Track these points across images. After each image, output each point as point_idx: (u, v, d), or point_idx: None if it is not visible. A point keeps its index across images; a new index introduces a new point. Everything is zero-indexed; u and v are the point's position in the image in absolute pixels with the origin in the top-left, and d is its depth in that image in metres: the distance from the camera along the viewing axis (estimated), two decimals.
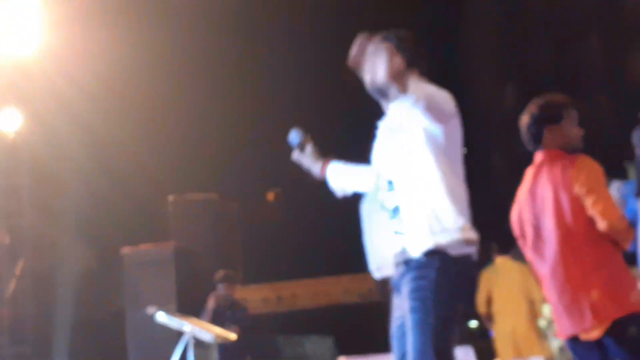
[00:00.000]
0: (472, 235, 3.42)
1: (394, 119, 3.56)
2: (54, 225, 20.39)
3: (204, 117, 16.19)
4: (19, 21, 12.35)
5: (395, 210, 3.51)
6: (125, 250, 10.41)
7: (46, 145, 15.15)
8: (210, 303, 8.81)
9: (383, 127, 3.70)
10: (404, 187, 3.47)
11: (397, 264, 3.53)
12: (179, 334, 7.50)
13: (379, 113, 3.72)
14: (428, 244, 3.38)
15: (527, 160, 4.31)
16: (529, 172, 4.16)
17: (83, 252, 23.57)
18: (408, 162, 3.46)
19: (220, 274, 9.01)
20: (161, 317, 7.46)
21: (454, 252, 3.35)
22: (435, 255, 3.35)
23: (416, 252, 3.40)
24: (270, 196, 20.27)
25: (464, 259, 3.39)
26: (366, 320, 15.51)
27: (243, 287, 12.44)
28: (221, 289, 8.93)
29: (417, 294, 3.37)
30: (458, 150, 3.51)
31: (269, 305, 15.96)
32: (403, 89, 3.51)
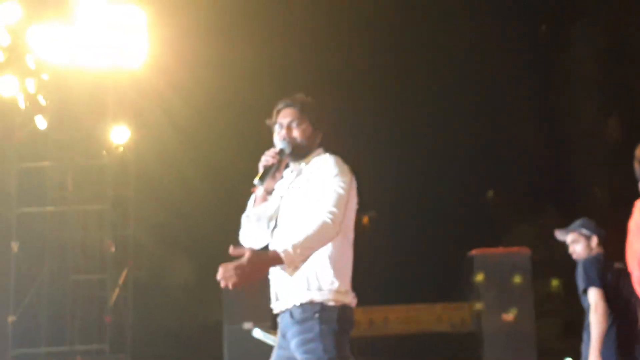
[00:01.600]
0: (346, 298, 3.67)
1: (304, 178, 3.75)
2: (158, 237, 21.05)
3: None
4: (128, 35, 12.86)
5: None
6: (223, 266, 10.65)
7: (153, 158, 15.70)
8: None
9: (289, 184, 3.84)
10: None
11: (281, 310, 3.74)
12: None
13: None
14: (304, 298, 3.60)
15: (630, 191, 4.25)
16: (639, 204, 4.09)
17: (184, 265, 24.22)
18: (302, 221, 3.59)
19: None
20: (257, 333, 7.60)
21: (330, 304, 3.61)
22: (315, 306, 3.58)
23: (294, 303, 3.63)
24: (365, 219, 20.36)
25: (343, 307, 3.64)
26: (456, 350, 15.35)
27: None
28: None
29: (306, 347, 3.57)
30: (352, 217, 3.73)
31: (361, 329, 16.01)
32: (310, 152, 3.79)
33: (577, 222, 5.80)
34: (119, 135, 13.57)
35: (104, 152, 13.56)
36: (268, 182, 3.85)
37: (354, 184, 3.78)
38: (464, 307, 15.13)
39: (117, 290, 13.29)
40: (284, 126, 3.87)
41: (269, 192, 3.90)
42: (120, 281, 13.57)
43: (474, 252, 9.82)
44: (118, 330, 13.33)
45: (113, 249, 13.12)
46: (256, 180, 3.81)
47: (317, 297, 3.60)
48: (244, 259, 3.35)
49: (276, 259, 3.37)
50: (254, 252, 3.43)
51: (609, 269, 5.56)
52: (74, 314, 13.44)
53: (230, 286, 3.36)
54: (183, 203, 17.01)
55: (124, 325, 13.64)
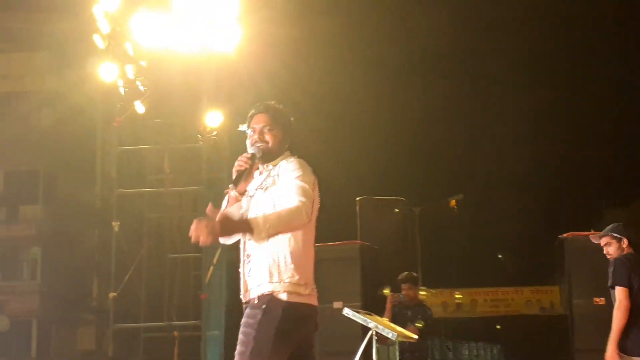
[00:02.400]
0: (304, 290, 3.86)
1: (271, 180, 4.01)
2: None
3: (391, 123, 16.56)
4: (222, 21, 13.12)
5: (249, 257, 3.96)
6: (315, 246, 10.89)
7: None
8: (391, 302, 9.06)
9: (257, 185, 4.08)
10: None
11: (244, 303, 3.98)
12: (363, 330, 7.78)
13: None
14: (263, 290, 3.84)
15: None
16: None
17: None
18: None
19: (403, 274, 9.26)
20: (347, 312, 7.76)
21: (284, 299, 3.80)
22: (266, 298, 3.80)
23: (254, 295, 3.87)
24: (452, 202, 20.31)
25: (294, 306, 3.81)
26: (546, 334, 15.23)
27: (423, 291, 12.64)
28: (403, 289, 9.18)
29: (244, 329, 3.82)
30: (314, 223, 3.97)
31: (448, 310, 16.05)
32: (279, 155, 4.06)
33: (609, 227, 6.38)
34: (213, 120, 13.89)
35: (199, 135, 13.93)
36: (241, 185, 4.09)
37: (317, 186, 4.00)
38: (554, 291, 14.99)
39: (211, 269, 13.72)
40: (257, 131, 4.13)
41: (241, 194, 4.12)
42: (214, 260, 14.01)
43: (564, 235, 9.76)
44: (213, 307, 13.77)
45: None
46: (230, 185, 4.07)
47: (278, 289, 3.83)
48: (217, 218, 3.66)
49: (245, 226, 3.68)
50: (226, 214, 3.75)
51: (638, 268, 6.06)
52: (171, 291, 13.99)
53: (200, 242, 3.63)
54: None
55: (218, 302, 14.09)
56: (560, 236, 9.95)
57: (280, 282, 3.83)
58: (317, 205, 4.00)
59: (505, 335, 15.44)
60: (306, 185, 3.88)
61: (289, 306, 3.80)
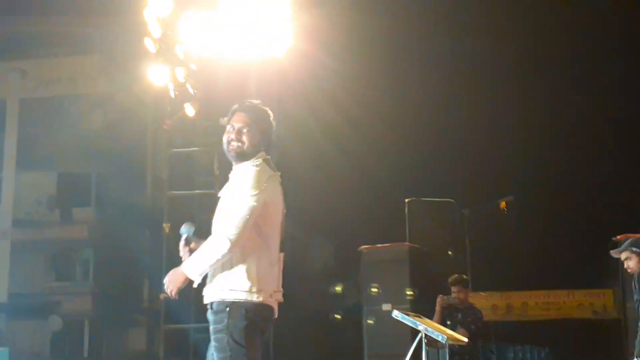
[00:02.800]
0: (257, 295, 4.20)
1: (230, 187, 4.40)
2: (299, 222, 21.48)
3: (440, 125, 16.42)
4: (273, 24, 13.16)
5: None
6: (363, 248, 10.88)
7: (295, 145, 16.13)
8: (441, 304, 9.01)
9: (226, 187, 4.49)
10: None
11: (206, 304, 4.43)
12: (412, 332, 7.75)
13: None
14: (218, 296, 4.26)
15: None
16: None
17: (322, 248, 24.67)
18: (216, 227, 4.34)
19: (453, 277, 9.20)
20: (396, 314, 7.74)
21: (239, 301, 4.20)
22: (226, 303, 4.22)
23: (209, 299, 4.32)
24: (503, 204, 20.07)
25: (253, 305, 4.19)
26: (599, 338, 14.96)
27: (472, 293, 12.52)
28: (453, 291, 9.12)
29: (215, 336, 4.24)
30: (274, 227, 4.31)
31: (498, 313, 15.88)
32: (253, 156, 4.30)
33: (628, 242, 6.67)
34: None
35: None
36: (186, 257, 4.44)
37: (274, 191, 4.29)
38: (607, 294, 14.74)
39: None
40: (234, 130, 4.35)
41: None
42: None
43: (617, 237, 9.59)
44: None
45: None
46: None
47: (228, 296, 4.23)
48: (169, 273, 4.35)
49: (185, 276, 4.32)
50: (173, 269, 4.39)
51: None
52: None
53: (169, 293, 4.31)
54: (323, 189, 17.34)
55: None
56: (613, 238, 9.79)
57: (231, 290, 4.22)
58: (274, 210, 4.28)
59: (555, 338, 15.21)
60: (250, 203, 4.18)
61: (248, 308, 4.17)
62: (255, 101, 4.38)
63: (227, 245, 4.16)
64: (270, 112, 4.49)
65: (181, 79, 13.45)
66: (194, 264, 4.25)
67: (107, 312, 24.68)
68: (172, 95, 13.63)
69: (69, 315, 24.36)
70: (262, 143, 4.39)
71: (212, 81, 13.78)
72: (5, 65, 26.43)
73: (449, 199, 12.40)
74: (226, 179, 13.83)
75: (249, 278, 4.22)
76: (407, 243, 10.95)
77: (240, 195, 4.24)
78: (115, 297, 24.70)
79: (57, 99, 26.22)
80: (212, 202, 14.73)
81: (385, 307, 9.52)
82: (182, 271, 4.30)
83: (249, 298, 4.20)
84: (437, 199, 12.42)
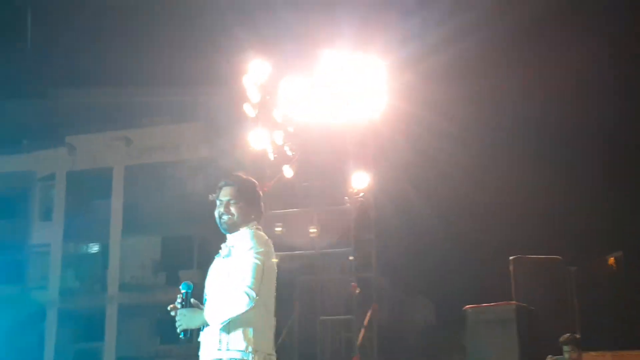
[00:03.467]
0: (251, 358, 4.24)
1: (230, 249, 4.44)
2: (397, 279, 21.33)
3: (544, 180, 16.11)
4: (368, 86, 13.31)
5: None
6: (468, 307, 10.69)
7: (391, 204, 16.11)
8: None
9: (221, 254, 4.53)
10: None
11: None
12: None
13: None
14: (215, 356, 4.30)
15: None
16: None
17: (425, 308, 24.35)
18: (223, 287, 4.33)
19: (565, 336, 8.90)
20: None
21: None
22: None
23: (205, 357, 4.35)
24: (611, 260, 19.35)
25: None
26: None
27: (583, 353, 12.04)
28: (566, 351, 8.82)
29: None
30: (271, 288, 4.37)
31: None
32: (244, 226, 4.45)
33: None
34: (360, 181, 14.01)
35: (346, 197, 14.08)
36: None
37: (270, 255, 4.37)
38: None
39: (362, 331, 13.67)
40: (223, 203, 4.52)
41: None
42: (365, 322, 13.96)
43: None
44: None
45: (358, 291, 13.56)
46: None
47: (224, 356, 4.28)
48: (187, 310, 4.43)
49: (202, 319, 4.35)
50: (191, 309, 4.45)
51: None
52: (324, 353, 14.03)
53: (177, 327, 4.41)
54: (421, 247, 17.19)
55: None
56: None
57: (228, 350, 4.28)
58: (270, 274, 4.36)
59: None
60: (256, 261, 4.27)
61: None
62: (241, 174, 4.53)
63: (248, 300, 4.23)
64: (255, 182, 4.63)
65: (279, 141, 13.68)
66: (216, 312, 4.31)
67: None
68: (271, 157, 13.85)
69: None
70: (251, 212, 4.54)
71: (310, 143, 13.96)
72: (111, 134, 27.60)
73: (556, 256, 12.04)
74: (326, 238, 13.82)
75: (246, 338, 4.30)
76: (514, 302, 10.67)
77: (245, 254, 4.35)
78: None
79: (160, 165, 27.11)
80: (311, 263, 14.79)
81: None
82: (202, 315, 4.37)
83: (245, 357, 4.27)
84: (543, 256, 12.08)
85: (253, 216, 4.54)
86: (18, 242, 27.86)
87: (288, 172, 13.97)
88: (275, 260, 4.50)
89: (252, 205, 4.55)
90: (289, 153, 13.90)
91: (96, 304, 26.48)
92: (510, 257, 11.43)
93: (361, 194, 14.25)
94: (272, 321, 4.49)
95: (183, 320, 4.41)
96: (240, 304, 4.23)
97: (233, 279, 4.32)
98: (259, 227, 4.54)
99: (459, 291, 14.33)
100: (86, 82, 30.91)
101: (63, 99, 29.39)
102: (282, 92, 13.40)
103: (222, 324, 4.28)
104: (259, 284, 4.24)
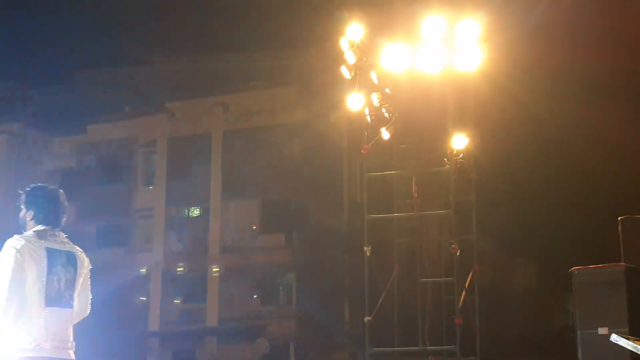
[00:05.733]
0: (28, 345, 4.43)
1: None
2: (498, 241, 20.99)
3: None
4: (464, 46, 13.00)
5: None
6: (575, 269, 10.41)
7: (492, 163, 15.80)
8: None
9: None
10: None
11: None
12: (633, 357, 7.32)
13: None
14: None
15: None
16: None
17: (526, 269, 23.92)
18: None
19: None
20: (615, 338, 7.31)
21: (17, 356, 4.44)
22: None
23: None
24: None
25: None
26: None
27: None
28: None
29: None
30: (36, 282, 4.45)
31: None
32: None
33: None
34: (459, 143, 13.79)
35: (445, 159, 13.88)
36: None
37: (24, 256, 4.46)
38: None
39: (464, 293, 13.54)
40: None
41: None
42: (466, 284, 13.82)
43: None
44: (467, 332, 13.57)
45: (458, 253, 13.42)
46: None
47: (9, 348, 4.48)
48: None
49: None
50: None
51: None
52: (424, 315, 13.99)
53: None
54: (522, 208, 16.83)
55: (472, 327, 13.86)
56: None
57: (10, 342, 4.45)
58: (32, 271, 4.47)
59: None
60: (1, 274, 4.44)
61: None
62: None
63: None
64: (31, 186, 4.77)
65: (376, 103, 13.56)
66: None
67: (311, 335, 25.23)
68: (368, 120, 13.76)
69: (275, 338, 25.13)
70: (29, 215, 4.70)
71: (407, 104, 13.78)
72: (209, 100, 28.03)
73: None
74: (425, 200, 13.68)
75: (17, 335, 4.50)
76: (623, 263, 10.32)
77: None
78: (318, 320, 25.23)
79: (257, 130, 27.39)
80: (411, 225, 14.67)
81: (602, 330, 8.98)
82: None
83: (21, 350, 4.48)
84: None
85: (31, 218, 4.71)
86: (123, 207, 28.80)
87: (386, 134, 13.86)
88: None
89: (29, 209, 4.72)
90: (386, 115, 13.79)
91: (198, 266, 27.17)
92: (619, 218, 11.02)
93: (461, 155, 14.03)
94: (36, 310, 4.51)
95: None
96: None
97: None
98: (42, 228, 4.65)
99: (562, 253, 13.96)
100: (183, 49, 31.46)
101: (162, 65, 30.01)
102: (379, 53, 13.24)
103: None
104: (5, 291, 4.43)
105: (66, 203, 4.77)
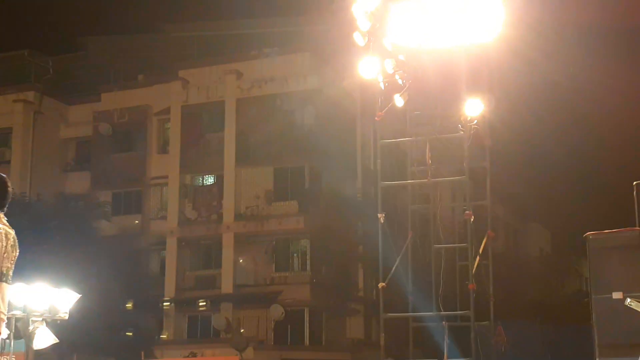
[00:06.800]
0: None
1: None
2: (512, 207, 20.99)
3: None
4: (481, 12, 12.90)
5: None
6: (590, 234, 10.44)
7: (507, 129, 15.76)
8: None
9: None
10: None
11: None
12: None
13: None
14: None
15: None
16: None
17: (539, 235, 23.95)
18: None
19: None
20: (630, 302, 7.37)
21: None
22: None
23: None
24: None
25: None
26: None
27: None
28: None
29: None
30: None
31: None
32: None
33: None
34: (473, 109, 13.73)
35: (459, 125, 13.84)
36: None
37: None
38: None
39: (477, 259, 13.60)
40: None
41: None
42: (480, 250, 13.88)
43: None
44: (481, 298, 13.65)
45: (472, 219, 13.44)
46: None
47: None
48: None
49: None
50: None
51: None
52: (438, 281, 14.07)
53: None
54: (537, 173, 16.83)
55: (486, 293, 13.94)
56: None
57: None
58: None
59: None
60: None
61: None
62: None
63: None
64: None
65: (390, 70, 13.49)
66: None
67: (325, 301, 25.41)
68: (382, 86, 13.71)
69: (289, 304, 25.33)
70: None
71: (421, 71, 13.71)
72: (222, 67, 27.98)
73: None
74: (439, 167, 13.68)
75: None
76: (638, 228, 10.33)
77: None
78: (332, 286, 25.39)
79: (270, 97, 27.35)
80: (424, 192, 14.70)
81: (616, 295, 9.05)
82: None
83: None
84: None
85: None
86: (137, 174, 28.93)
87: (399, 100, 13.80)
88: None
89: None
90: (400, 81, 13.72)
91: (213, 233, 27.33)
92: (635, 182, 11.01)
93: (475, 122, 13.97)
94: None
95: None
96: None
97: None
98: None
99: (575, 219, 13.97)
100: (197, 17, 31.35)
101: (175, 33, 29.93)
102: (392, 19, 13.16)
103: None
104: None
105: (9, 188, 4.84)
